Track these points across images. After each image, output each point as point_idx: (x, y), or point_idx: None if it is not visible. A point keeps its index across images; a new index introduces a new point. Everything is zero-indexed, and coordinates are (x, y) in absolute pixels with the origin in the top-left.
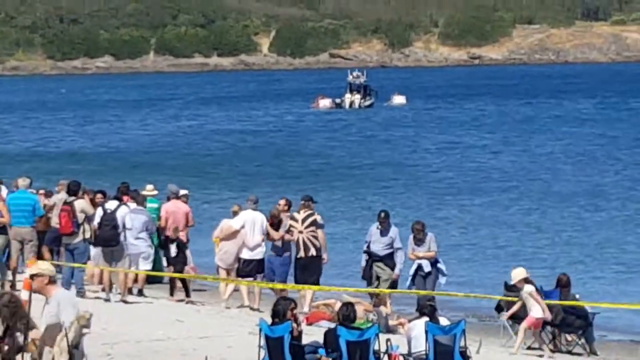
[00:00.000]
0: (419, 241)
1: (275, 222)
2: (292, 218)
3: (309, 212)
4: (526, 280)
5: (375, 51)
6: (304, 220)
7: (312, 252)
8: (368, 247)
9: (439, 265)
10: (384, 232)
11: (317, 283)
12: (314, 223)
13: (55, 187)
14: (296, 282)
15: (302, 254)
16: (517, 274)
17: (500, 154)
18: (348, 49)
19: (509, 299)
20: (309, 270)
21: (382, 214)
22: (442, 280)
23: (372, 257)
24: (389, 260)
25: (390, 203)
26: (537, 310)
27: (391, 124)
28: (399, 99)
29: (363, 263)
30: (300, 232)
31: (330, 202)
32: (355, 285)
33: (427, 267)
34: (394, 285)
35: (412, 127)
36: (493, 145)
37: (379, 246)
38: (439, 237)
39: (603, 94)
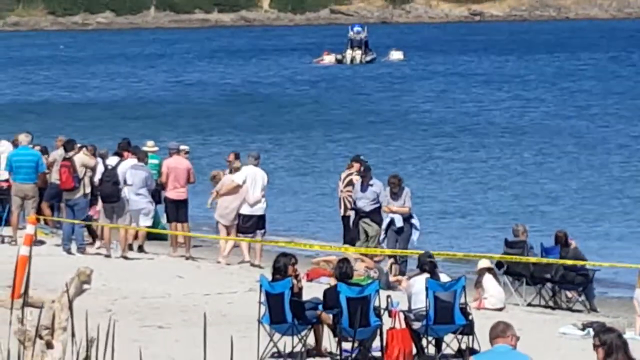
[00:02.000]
0: (395, 195)
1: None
2: (339, 177)
3: (351, 171)
4: (489, 270)
5: (376, 7)
6: (344, 180)
7: (348, 211)
8: (354, 203)
9: (412, 220)
10: (365, 187)
11: (353, 243)
12: (350, 183)
13: (54, 143)
14: (344, 239)
15: (341, 212)
16: (481, 263)
17: (497, 107)
18: (349, 5)
19: (508, 257)
20: (345, 228)
21: (362, 168)
22: (414, 236)
23: (359, 213)
24: (375, 215)
25: (385, 156)
26: (489, 301)
27: (387, 79)
28: (396, 55)
29: (351, 221)
30: (341, 191)
31: (326, 154)
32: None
33: (399, 222)
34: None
35: (408, 82)
36: (487, 99)
37: (363, 202)
38: (436, 192)
39: (604, 50)
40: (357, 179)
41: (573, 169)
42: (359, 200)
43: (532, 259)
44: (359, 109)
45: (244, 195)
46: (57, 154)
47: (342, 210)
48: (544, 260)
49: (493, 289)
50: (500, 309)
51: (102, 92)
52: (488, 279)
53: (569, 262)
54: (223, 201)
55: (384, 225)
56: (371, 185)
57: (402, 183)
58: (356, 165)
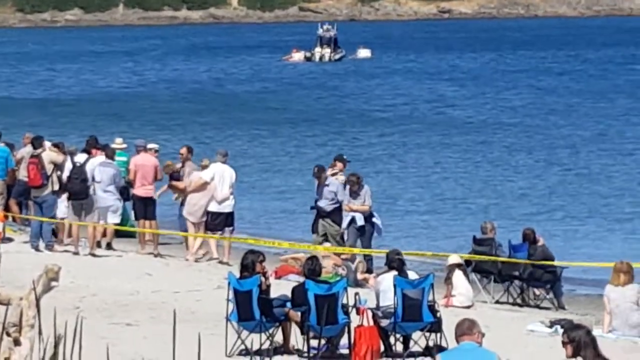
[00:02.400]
0: (354, 194)
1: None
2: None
3: (334, 171)
4: (458, 266)
5: (345, 5)
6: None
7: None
8: (316, 202)
9: (374, 219)
10: (322, 187)
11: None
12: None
13: (21, 140)
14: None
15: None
16: (450, 258)
17: (464, 104)
18: (318, 3)
19: (477, 257)
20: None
21: (316, 169)
22: (375, 234)
23: (320, 213)
24: (335, 216)
25: (352, 154)
26: (457, 299)
27: (355, 76)
28: (364, 52)
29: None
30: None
31: (294, 152)
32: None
33: (360, 221)
34: (342, 239)
35: (375, 79)
36: (454, 96)
37: (323, 202)
38: (402, 189)
39: (571, 47)
40: (342, 179)
41: (540, 167)
42: (319, 200)
43: (501, 259)
44: (326, 106)
45: (212, 193)
46: (25, 151)
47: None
48: (514, 260)
49: (462, 286)
50: (469, 307)
51: (69, 89)
52: (458, 275)
53: (540, 262)
54: (191, 198)
55: (344, 224)
56: (327, 185)
57: (362, 181)
58: (339, 165)
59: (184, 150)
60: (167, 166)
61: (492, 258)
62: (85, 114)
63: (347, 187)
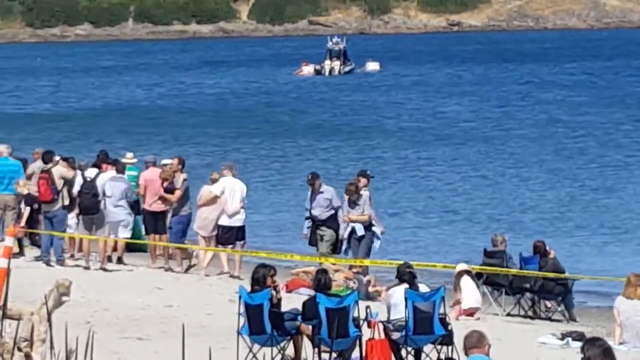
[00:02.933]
0: (353, 203)
1: (168, 185)
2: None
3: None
4: (467, 273)
5: (354, 18)
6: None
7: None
8: (310, 212)
9: (373, 228)
10: (316, 194)
11: (366, 257)
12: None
13: (32, 155)
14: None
15: None
16: (458, 266)
17: (474, 117)
18: (327, 16)
19: (488, 269)
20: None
21: (310, 176)
22: (376, 244)
23: (315, 222)
24: (331, 222)
25: (360, 166)
26: (466, 303)
27: (362, 89)
28: (372, 66)
29: (305, 230)
30: None
31: (307, 165)
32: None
33: (360, 231)
34: (334, 246)
35: (383, 92)
36: (464, 109)
37: (318, 210)
38: (412, 201)
39: (581, 59)
40: (366, 194)
41: (551, 179)
42: (313, 208)
43: (513, 271)
44: (335, 120)
45: (223, 206)
46: (35, 166)
47: None
48: (525, 272)
49: (470, 290)
50: (477, 309)
51: (77, 104)
52: (465, 280)
53: (551, 274)
54: (202, 212)
55: (345, 235)
56: (322, 192)
57: (360, 190)
58: (363, 180)
59: (175, 162)
60: (163, 172)
61: (504, 270)
62: (94, 128)
63: (346, 197)
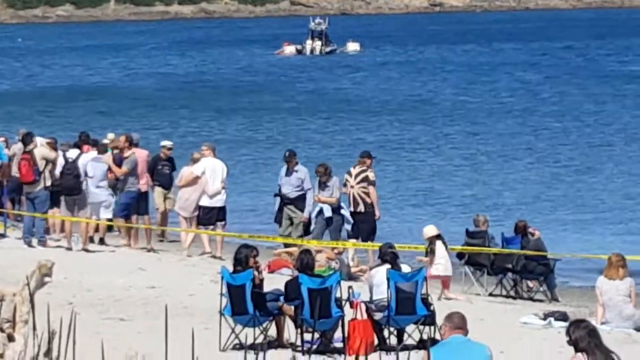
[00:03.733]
0: (323, 185)
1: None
2: (348, 172)
3: (363, 168)
4: (437, 237)
5: None
6: (357, 176)
7: (361, 207)
8: (279, 189)
9: (342, 211)
10: (290, 172)
11: (368, 239)
12: (365, 179)
13: (15, 136)
14: (348, 236)
15: (352, 208)
16: (429, 230)
17: (454, 97)
18: None
19: (469, 249)
20: (359, 225)
21: (287, 153)
22: (347, 226)
23: (283, 200)
24: (300, 202)
25: (341, 146)
26: (437, 269)
27: (344, 68)
28: (352, 46)
29: (275, 207)
30: (352, 186)
31: (284, 144)
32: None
33: (327, 212)
34: (306, 228)
35: (363, 72)
36: (444, 87)
37: (288, 188)
38: (395, 183)
39: (561, 39)
40: (372, 175)
41: (533, 158)
42: (284, 186)
43: (494, 250)
44: (314, 98)
45: (204, 187)
46: (17, 147)
47: (352, 207)
48: (507, 250)
49: (441, 256)
50: (446, 278)
51: (58, 84)
52: (439, 246)
53: (533, 253)
54: (183, 193)
55: (313, 214)
56: (296, 171)
57: (330, 172)
58: (368, 161)
59: (122, 139)
60: (112, 141)
61: (485, 250)
62: (74, 109)
63: (317, 177)
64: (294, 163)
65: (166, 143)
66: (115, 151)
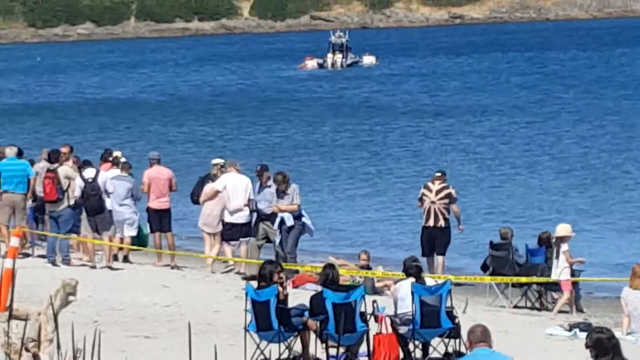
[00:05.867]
0: (282, 193)
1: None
2: (426, 187)
3: (444, 184)
4: (562, 239)
5: (356, 12)
6: (438, 192)
7: (441, 222)
8: (256, 205)
9: (303, 219)
10: (263, 188)
11: (444, 253)
12: (448, 196)
13: (37, 156)
14: (422, 251)
15: (431, 223)
16: (560, 229)
17: (474, 107)
18: (329, 11)
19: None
20: (437, 240)
21: (258, 167)
22: (309, 233)
23: (259, 215)
24: (275, 217)
25: (362, 158)
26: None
27: (361, 82)
28: (368, 59)
29: (242, 219)
30: (433, 202)
31: (310, 162)
32: (341, 249)
33: (289, 221)
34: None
35: (378, 85)
36: (464, 99)
37: (263, 204)
38: (410, 196)
39: (583, 49)
40: (454, 192)
41: (556, 170)
42: (259, 202)
43: (523, 279)
44: (331, 107)
45: (225, 202)
46: (40, 166)
47: (432, 221)
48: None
49: (562, 260)
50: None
51: (77, 99)
52: (563, 249)
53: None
54: (205, 208)
55: (275, 225)
56: (268, 186)
57: (289, 180)
58: (443, 177)
59: (65, 150)
60: (64, 154)
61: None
62: (89, 124)
63: (274, 186)
64: (266, 178)
65: (217, 161)
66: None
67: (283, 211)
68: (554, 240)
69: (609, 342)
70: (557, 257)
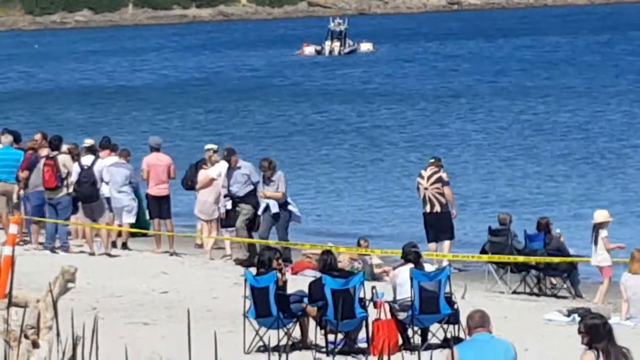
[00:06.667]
0: (267, 180)
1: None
2: (419, 175)
3: (435, 169)
4: (601, 225)
5: None
6: (429, 177)
7: (437, 208)
8: (228, 189)
9: (289, 207)
10: (233, 170)
11: (451, 238)
12: (439, 180)
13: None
14: (428, 238)
15: (427, 209)
16: (597, 215)
17: (473, 92)
18: None
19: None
20: (438, 225)
21: (225, 152)
22: (296, 220)
23: (234, 199)
24: (249, 198)
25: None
26: (595, 258)
27: (357, 69)
28: (365, 46)
29: (222, 209)
30: (426, 188)
31: (308, 149)
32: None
33: (274, 208)
34: (251, 224)
35: (374, 72)
36: (462, 85)
37: (235, 187)
38: (404, 181)
39: (578, 34)
40: (445, 175)
41: (554, 156)
42: (232, 185)
43: (520, 258)
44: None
45: (219, 190)
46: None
47: (428, 207)
48: (532, 258)
49: (600, 246)
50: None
51: (75, 84)
52: (602, 234)
53: (550, 257)
54: (200, 196)
55: (259, 211)
56: (239, 167)
57: (275, 167)
58: (437, 162)
59: (38, 137)
60: (32, 141)
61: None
62: (73, 111)
63: (261, 173)
64: (235, 160)
65: (210, 146)
66: (30, 151)
67: (268, 198)
68: (592, 226)
69: (603, 329)
70: (596, 243)
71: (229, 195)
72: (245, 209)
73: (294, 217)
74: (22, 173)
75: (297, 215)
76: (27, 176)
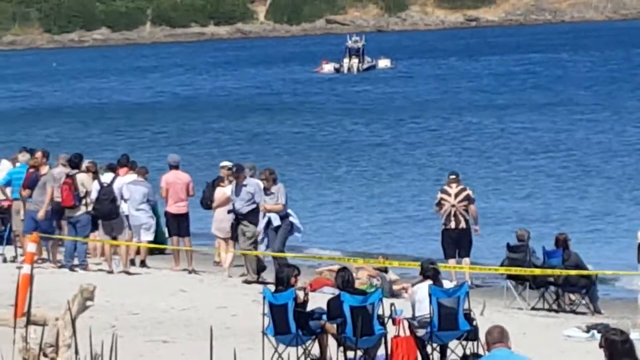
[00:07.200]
0: (267, 191)
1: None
2: (443, 192)
3: (461, 187)
4: None
5: (372, 16)
6: (457, 195)
7: (463, 224)
8: (233, 206)
9: (290, 218)
10: (239, 187)
11: (469, 254)
12: (467, 198)
13: (55, 161)
14: (445, 253)
15: (452, 225)
16: None
17: (488, 111)
18: (344, 15)
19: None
20: (461, 241)
21: (234, 168)
22: (297, 233)
23: (236, 216)
24: (252, 217)
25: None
26: None
27: (376, 85)
28: (383, 62)
29: (227, 225)
30: (453, 205)
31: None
32: (350, 250)
33: (275, 221)
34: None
35: (394, 87)
36: (481, 101)
37: (239, 203)
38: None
39: (598, 50)
40: (472, 193)
41: (572, 172)
42: (235, 202)
43: (537, 271)
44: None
45: None
46: (56, 171)
47: (453, 224)
48: (550, 271)
49: None
50: None
51: (90, 102)
52: None
53: (572, 272)
54: (217, 214)
55: (262, 225)
56: (245, 185)
57: (275, 178)
58: (457, 179)
59: (38, 155)
60: (33, 160)
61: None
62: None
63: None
64: (242, 177)
65: (225, 163)
66: (31, 170)
67: (269, 211)
68: (637, 245)
69: (622, 346)
70: None
71: (233, 211)
72: (249, 231)
73: (295, 229)
74: (24, 192)
75: (298, 227)
76: (29, 194)
